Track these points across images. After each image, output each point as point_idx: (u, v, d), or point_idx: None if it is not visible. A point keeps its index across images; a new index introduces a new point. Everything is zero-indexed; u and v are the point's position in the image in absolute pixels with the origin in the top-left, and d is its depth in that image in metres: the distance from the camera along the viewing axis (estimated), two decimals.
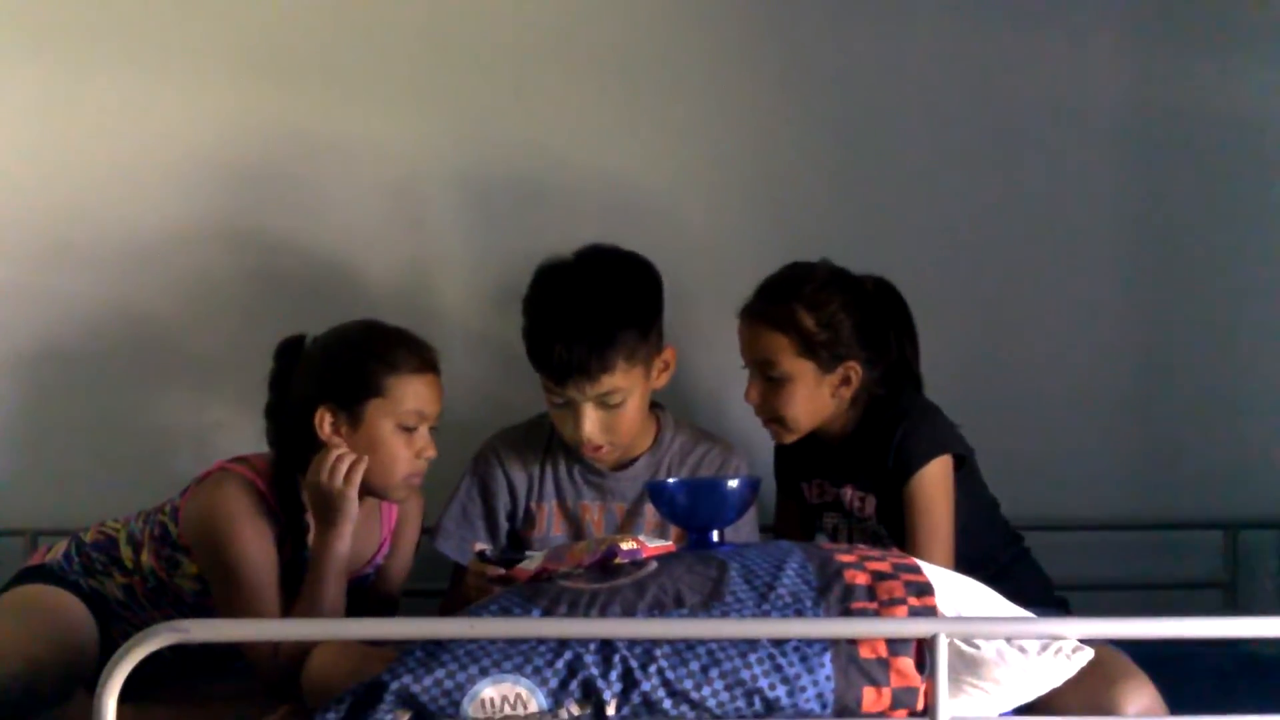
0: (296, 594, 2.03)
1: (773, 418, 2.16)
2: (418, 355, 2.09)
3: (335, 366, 2.07)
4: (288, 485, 2.07)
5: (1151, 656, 1.72)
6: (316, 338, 2.13)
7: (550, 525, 2.25)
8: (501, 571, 1.72)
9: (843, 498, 2.19)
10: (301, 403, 2.07)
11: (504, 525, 2.26)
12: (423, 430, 2.09)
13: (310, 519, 2.06)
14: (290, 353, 2.12)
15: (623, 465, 2.25)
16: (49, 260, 2.53)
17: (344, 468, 2.01)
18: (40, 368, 2.54)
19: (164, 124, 2.53)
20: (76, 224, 2.52)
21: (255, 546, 2.00)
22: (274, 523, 2.05)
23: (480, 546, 1.85)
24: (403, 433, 2.06)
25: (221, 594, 2.01)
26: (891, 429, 2.10)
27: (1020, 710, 1.57)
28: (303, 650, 1.78)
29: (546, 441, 2.27)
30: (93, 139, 2.53)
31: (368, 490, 2.08)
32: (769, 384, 2.14)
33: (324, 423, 2.05)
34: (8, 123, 2.53)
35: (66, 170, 2.52)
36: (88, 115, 2.53)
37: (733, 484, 1.86)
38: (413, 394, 2.06)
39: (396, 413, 2.06)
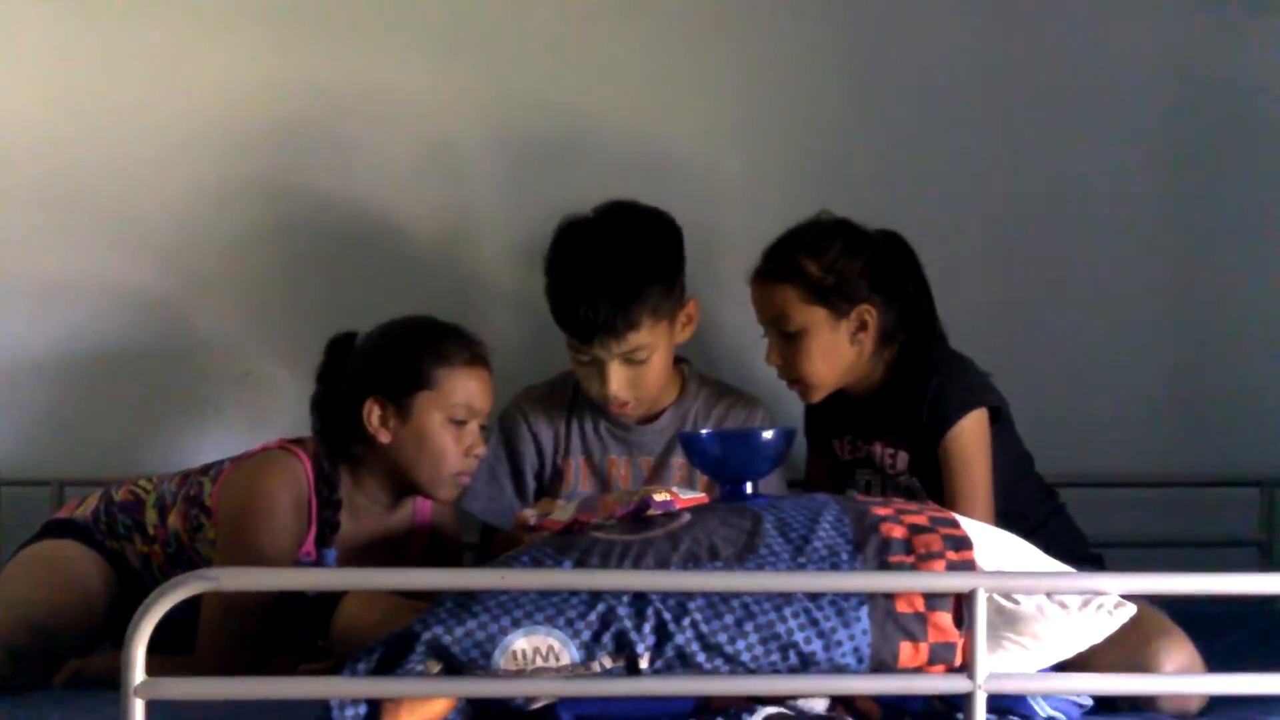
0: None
1: (796, 377, 2.14)
2: (468, 349, 2.06)
3: (386, 358, 2.05)
4: (330, 477, 2.04)
5: (1186, 614, 1.71)
6: (369, 332, 2.10)
7: (578, 481, 2.24)
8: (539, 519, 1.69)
9: (874, 454, 2.17)
10: (351, 394, 2.04)
11: (531, 484, 2.26)
12: (472, 426, 2.06)
13: (342, 517, 2.04)
14: (341, 347, 2.10)
15: (648, 419, 2.25)
16: (87, 215, 2.53)
17: None
18: (77, 321, 2.54)
19: (203, 80, 2.54)
20: (116, 178, 2.53)
21: (282, 536, 1.97)
22: (307, 516, 2.02)
23: (530, 519, 1.78)
24: (452, 427, 2.04)
25: (225, 560, 1.96)
26: (924, 382, 2.07)
27: (1056, 667, 1.55)
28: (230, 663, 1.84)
29: (571, 398, 2.27)
30: (132, 95, 2.53)
31: (414, 487, 2.07)
32: (786, 341, 2.12)
33: (372, 415, 2.03)
34: (50, 80, 2.54)
35: (106, 126, 2.53)
36: (128, 70, 2.53)
37: (767, 435, 1.82)
38: (462, 387, 2.04)
39: (446, 405, 2.03)
